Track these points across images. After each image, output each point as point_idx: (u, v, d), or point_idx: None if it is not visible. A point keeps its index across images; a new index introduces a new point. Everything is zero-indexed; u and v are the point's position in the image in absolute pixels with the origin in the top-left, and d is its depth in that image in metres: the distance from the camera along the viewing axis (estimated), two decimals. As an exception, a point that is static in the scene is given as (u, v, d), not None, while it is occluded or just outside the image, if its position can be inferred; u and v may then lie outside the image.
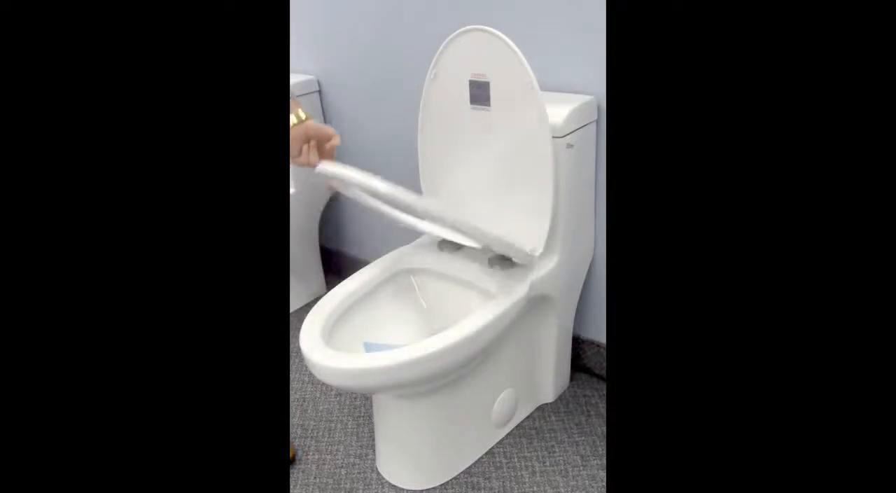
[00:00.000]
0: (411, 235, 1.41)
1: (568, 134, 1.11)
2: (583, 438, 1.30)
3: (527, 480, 1.21)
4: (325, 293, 1.15)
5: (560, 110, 1.10)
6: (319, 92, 1.69)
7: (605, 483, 1.18)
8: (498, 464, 1.25)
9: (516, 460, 1.25)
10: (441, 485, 1.21)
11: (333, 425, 1.38)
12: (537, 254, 1.15)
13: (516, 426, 1.34)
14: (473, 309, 1.08)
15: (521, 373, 1.30)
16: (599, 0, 1.12)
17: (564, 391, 1.43)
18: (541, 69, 1.22)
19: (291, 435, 1.36)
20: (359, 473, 1.25)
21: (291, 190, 1.68)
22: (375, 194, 0.92)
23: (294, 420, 1.40)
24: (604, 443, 1.28)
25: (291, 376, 1.55)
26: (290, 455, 1.28)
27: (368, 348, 1.16)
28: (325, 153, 1.02)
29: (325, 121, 1.74)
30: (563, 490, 1.18)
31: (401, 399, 1.14)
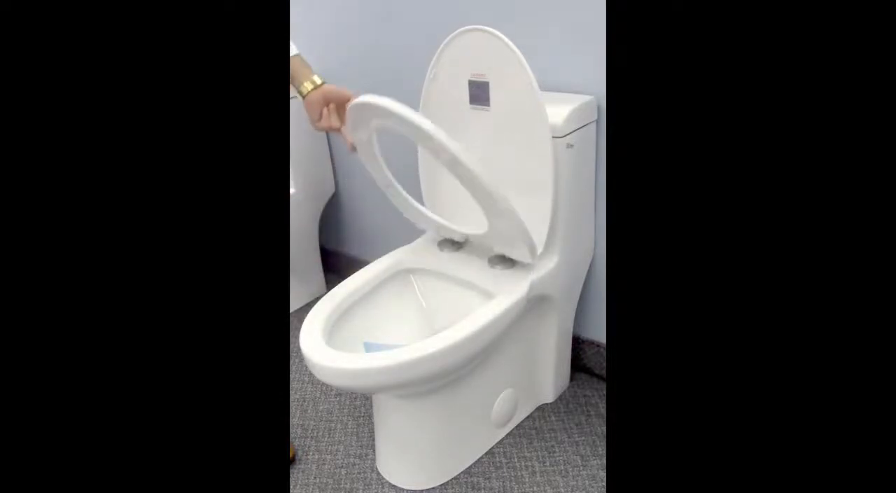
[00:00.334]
0: (411, 235, 1.41)
1: (568, 134, 1.11)
2: (583, 438, 1.30)
3: (527, 480, 1.21)
4: (325, 293, 1.14)
5: (560, 110, 1.10)
6: (319, 92, 1.69)
7: (605, 483, 1.18)
8: (498, 464, 1.25)
9: (516, 460, 1.25)
10: (441, 485, 1.21)
11: (333, 425, 1.38)
12: (537, 253, 1.15)
13: (516, 426, 1.34)
14: (473, 309, 1.08)
15: (521, 373, 1.30)
16: (599, 0, 1.12)
17: (564, 391, 1.43)
18: (541, 69, 1.22)
19: (291, 435, 1.36)
20: (359, 473, 1.25)
21: (291, 190, 1.68)
22: (413, 128, 0.92)
23: (294, 420, 1.40)
24: (604, 443, 1.28)
25: (291, 376, 1.55)
26: (290, 455, 1.28)
27: (368, 348, 1.16)
28: (344, 116, 1.03)
29: (325, 121, 1.74)
30: (563, 490, 1.18)
31: (401, 399, 1.14)
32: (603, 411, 1.37)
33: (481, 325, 1.03)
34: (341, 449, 1.31)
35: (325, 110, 1.01)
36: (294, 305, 1.82)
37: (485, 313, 1.05)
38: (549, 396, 1.39)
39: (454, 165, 0.95)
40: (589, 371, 1.48)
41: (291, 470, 1.27)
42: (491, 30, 1.04)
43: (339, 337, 1.11)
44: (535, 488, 1.19)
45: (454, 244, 1.28)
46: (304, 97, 1.02)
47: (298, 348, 1.63)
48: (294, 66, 1.02)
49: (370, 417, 1.39)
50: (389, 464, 1.23)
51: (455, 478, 1.22)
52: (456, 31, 1.09)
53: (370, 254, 1.86)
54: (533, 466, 1.24)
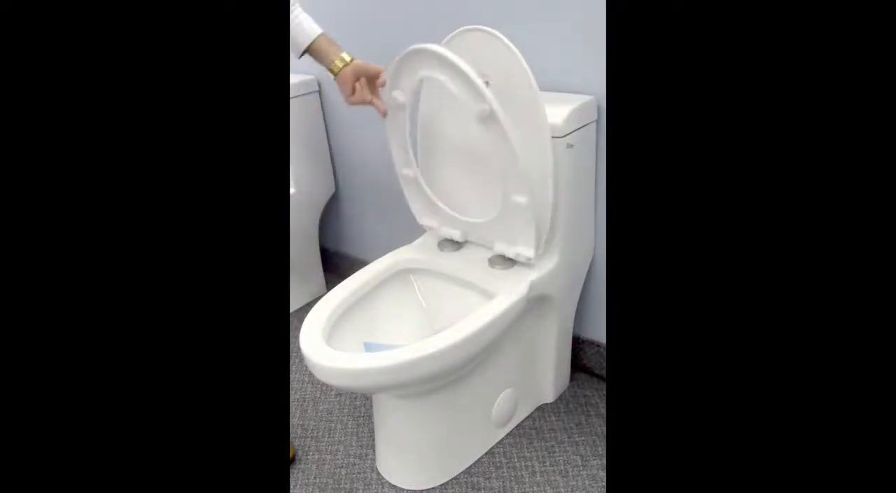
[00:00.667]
0: (411, 235, 1.41)
1: (568, 134, 1.11)
2: (583, 438, 1.30)
3: (527, 480, 1.21)
4: (325, 293, 1.14)
5: (560, 110, 1.10)
6: (319, 92, 1.69)
7: (605, 483, 1.18)
8: (498, 464, 1.25)
9: (516, 460, 1.25)
10: (441, 485, 1.21)
11: (333, 425, 1.38)
12: (542, 244, 1.15)
13: (516, 426, 1.34)
14: (473, 309, 1.08)
15: (521, 373, 1.30)
16: (599, 0, 1.12)
17: (564, 391, 1.43)
18: (541, 69, 1.22)
19: (291, 435, 1.36)
20: (359, 473, 1.25)
21: (291, 190, 1.68)
22: (460, 74, 0.97)
23: (294, 420, 1.40)
24: (604, 443, 1.28)
25: (291, 376, 1.55)
26: (290, 455, 1.28)
27: (368, 348, 1.16)
28: (375, 90, 1.10)
29: (325, 121, 1.74)
30: (563, 490, 1.18)
31: (401, 399, 1.14)
32: (603, 411, 1.37)
33: (481, 325, 1.03)
34: (341, 449, 1.31)
35: (357, 85, 1.07)
36: (294, 305, 1.82)
37: (485, 313, 1.05)
38: (549, 396, 1.39)
39: (490, 122, 0.99)
40: (589, 371, 1.48)
41: (291, 470, 1.27)
42: (490, 30, 1.04)
43: (339, 337, 1.11)
44: (535, 488, 1.19)
45: (454, 244, 1.28)
46: (335, 74, 1.07)
47: (298, 348, 1.63)
48: (322, 44, 1.07)
49: (370, 417, 1.39)
50: (389, 464, 1.23)
51: (455, 478, 1.22)
52: (455, 31, 1.09)
53: (370, 254, 1.86)
54: (533, 466, 1.24)
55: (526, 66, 1.02)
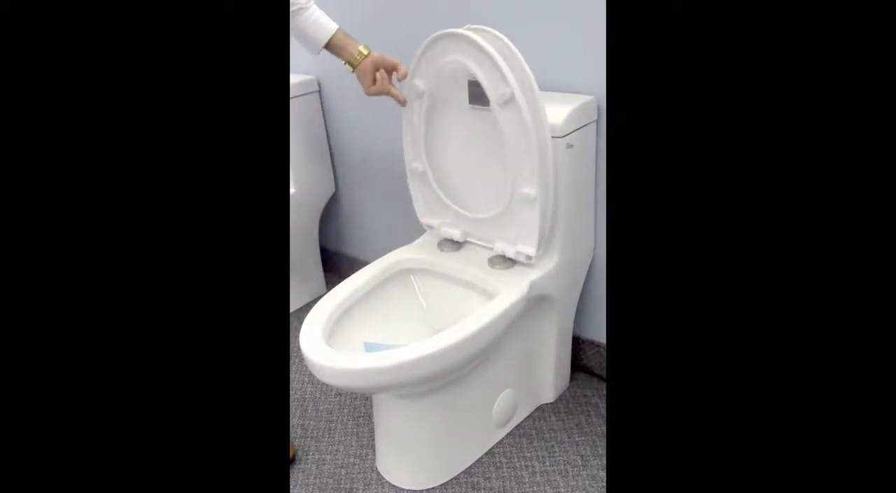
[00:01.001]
0: (411, 235, 1.41)
1: (568, 134, 1.11)
2: (583, 438, 1.30)
3: (527, 480, 1.21)
4: (325, 293, 1.14)
5: (560, 110, 1.10)
6: (319, 92, 1.69)
7: (605, 483, 1.18)
8: (498, 464, 1.25)
9: (516, 460, 1.25)
10: (441, 485, 1.21)
11: (333, 425, 1.38)
12: (544, 240, 1.15)
13: (516, 426, 1.34)
14: (473, 309, 1.08)
15: (521, 373, 1.30)
16: (599, 0, 1.12)
17: (564, 391, 1.43)
18: (541, 69, 1.22)
19: (291, 435, 1.36)
20: (359, 473, 1.25)
21: (291, 190, 1.68)
22: (488, 57, 1.01)
23: (294, 420, 1.40)
24: (604, 443, 1.28)
25: (291, 376, 1.55)
26: (290, 455, 1.28)
27: (368, 348, 1.16)
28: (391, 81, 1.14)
29: (325, 121, 1.74)
30: (563, 490, 1.18)
31: (401, 399, 1.14)
32: (603, 411, 1.37)
33: (481, 325, 1.03)
34: (341, 449, 1.31)
35: (378, 75, 1.11)
36: (294, 305, 1.82)
37: (485, 313, 1.05)
38: (549, 396, 1.39)
39: (510, 107, 1.02)
40: (589, 371, 1.48)
41: (291, 470, 1.27)
42: (491, 30, 1.04)
43: (339, 337, 1.11)
44: (535, 488, 1.19)
45: (454, 244, 1.28)
46: (354, 67, 1.11)
47: (298, 348, 1.63)
48: (340, 38, 1.11)
49: (370, 417, 1.39)
50: (389, 464, 1.23)
51: (455, 478, 1.22)
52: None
53: (370, 254, 1.86)
54: (533, 466, 1.24)
55: (526, 65, 1.02)
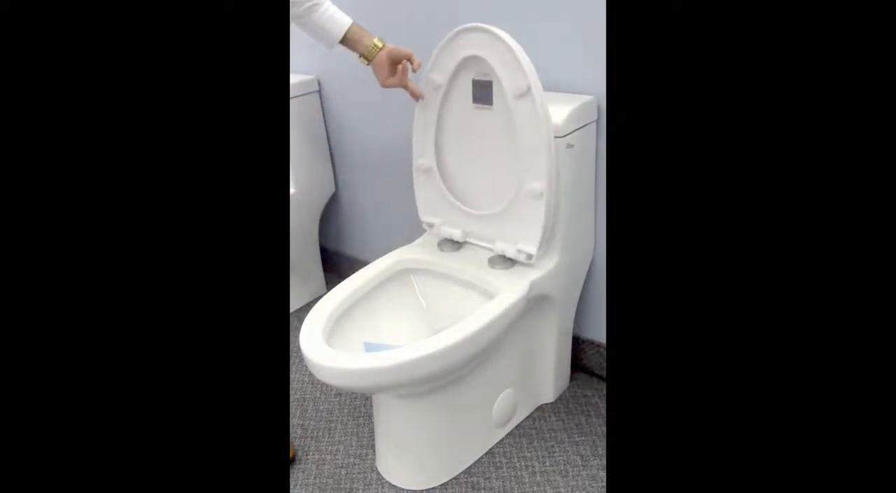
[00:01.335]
0: (411, 235, 1.41)
1: (568, 134, 1.11)
2: (583, 438, 1.30)
3: (527, 480, 1.21)
4: (325, 293, 1.14)
5: (560, 110, 1.10)
6: (319, 92, 1.69)
7: (605, 483, 1.18)
8: (498, 464, 1.25)
9: (516, 460, 1.25)
10: (441, 485, 1.21)
11: (333, 425, 1.38)
12: (546, 239, 1.15)
13: (516, 426, 1.34)
14: (473, 309, 1.08)
15: (521, 373, 1.30)
16: (599, 0, 1.12)
17: (564, 391, 1.43)
18: (541, 69, 1.22)
19: (291, 435, 1.36)
20: (359, 473, 1.25)
21: (291, 190, 1.68)
22: (509, 52, 1.03)
23: (294, 420, 1.40)
24: (604, 443, 1.28)
25: (291, 376, 1.55)
26: (290, 455, 1.28)
27: (368, 348, 1.16)
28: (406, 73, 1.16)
29: (325, 121, 1.74)
30: (563, 490, 1.18)
31: (401, 399, 1.14)
32: (603, 411, 1.37)
33: (481, 325, 1.03)
34: (341, 449, 1.31)
35: (399, 67, 1.12)
36: (294, 305, 1.82)
37: (485, 313, 1.05)
38: (549, 396, 1.39)
39: (525, 100, 1.04)
40: (589, 371, 1.48)
41: (291, 470, 1.27)
42: (492, 29, 1.04)
43: (339, 337, 1.11)
44: (535, 488, 1.19)
45: (454, 244, 1.28)
46: (369, 60, 1.12)
47: (298, 348, 1.63)
48: (355, 32, 1.12)
49: (370, 417, 1.39)
50: (389, 464, 1.23)
51: (455, 478, 1.22)
52: (456, 30, 1.09)
53: (370, 254, 1.86)
54: (533, 466, 1.24)
55: (526, 65, 1.02)
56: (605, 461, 1.23)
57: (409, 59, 1.12)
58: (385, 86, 1.14)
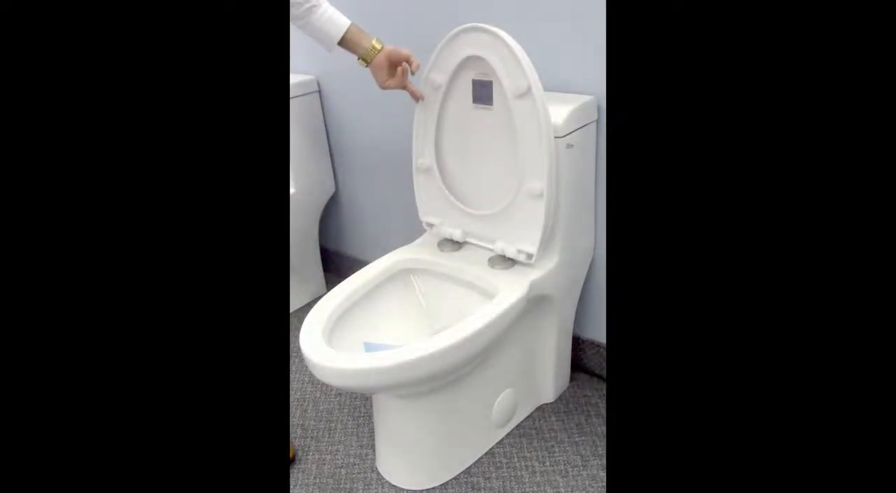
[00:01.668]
0: (411, 235, 1.41)
1: (568, 134, 1.11)
2: (583, 438, 1.30)
3: (527, 480, 1.21)
4: (325, 293, 1.15)
5: (560, 110, 1.10)
6: (319, 92, 1.69)
7: (605, 483, 1.18)
8: (498, 464, 1.25)
9: (516, 460, 1.25)
10: (441, 485, 1.21)
11: (333, 425, 1.38)
12: (546, 239, 1.15)
13: (516, 426, 1.34)
14: (473, 309, 1.08)
15: (521, 373, 1.30)
16: (599, 0, 1.12)
17: (564, 391, 1.43)
18: (541, 69, 1.22)
19: (291, 435, 1.36)
20: (359, 473, 1.25)
21: (291, 190, 1.68)
22: (509, 50, 1.03)
23: (294, 420, 1.40)
24: (604, 443, 1.28)
25: (291, 376, 1.55)
26: (290, 455, 1.28)
27: (368, 348, 1.16)
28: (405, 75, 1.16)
29: (325, 121, 1.74)
30: (563, 490, 1.18)
31: (401, 399, 1.14)
32: (603, 411, 1.37)
33: (481, 325, 1.03)
34: (341, 449, 1.31)
35: (398, 69, 1.12)
36: (294, 305, 1.82)
37: (485, 313, 1.05)
38: (549, 396, 1.39)
39: (526, 99, 1.05)
40: (589, 371, 1.48)
41: (291, 470, 1.27)
42: (492, 28, 1.04)
43: (339, 337, 1.11)
44: (535, 488, 1.19)
45: (454, 244, 1.28)
46: (368, 62, 1.12)
47: (298, 348, 1.63)
48: (354, 34, 1.11)
49: (370, 417, 1.39)
50: (389, 464, 1.23)
51: (455, 478, 1.22)
52: (456, 30, 1.09)
53: (370, 254, 1.86)
54: (533, 466, 1.24)
55: (526, 65, 1.02)
56: (605, 461, 1.23)
57: (408, 61, 1.12)
58: (384, 88, 1.14)
